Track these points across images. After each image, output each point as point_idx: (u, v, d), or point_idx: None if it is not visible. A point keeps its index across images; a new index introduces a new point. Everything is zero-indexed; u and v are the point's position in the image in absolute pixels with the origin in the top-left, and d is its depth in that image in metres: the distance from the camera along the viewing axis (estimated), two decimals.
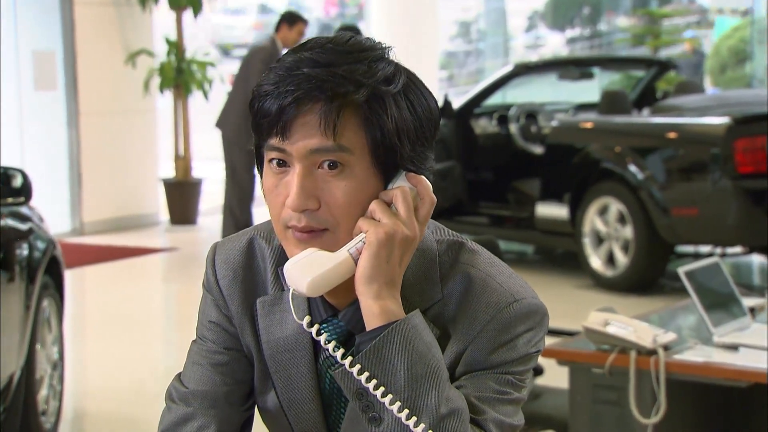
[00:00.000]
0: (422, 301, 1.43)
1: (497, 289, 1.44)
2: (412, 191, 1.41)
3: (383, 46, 1.43)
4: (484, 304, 1.44)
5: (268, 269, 1.52)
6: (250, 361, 1.55)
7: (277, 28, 8.17)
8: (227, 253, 1.55)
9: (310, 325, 1.43)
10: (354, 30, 8.34)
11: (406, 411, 1.36)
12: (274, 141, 1.38)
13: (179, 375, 1.59)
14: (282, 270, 1.44)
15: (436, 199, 1.43)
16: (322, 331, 1.44)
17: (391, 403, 1.36)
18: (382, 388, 1.36)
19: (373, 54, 1.40)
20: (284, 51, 8.14)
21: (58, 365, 4.46)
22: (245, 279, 1.53)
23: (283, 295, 1.50)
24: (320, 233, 1.40)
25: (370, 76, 1.37)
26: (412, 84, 1.42)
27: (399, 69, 1.42)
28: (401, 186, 1.40)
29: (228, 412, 1.54)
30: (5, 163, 4.14)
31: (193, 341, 1.60)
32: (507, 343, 1.43)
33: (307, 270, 1.38)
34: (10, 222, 4.08)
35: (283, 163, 1.39)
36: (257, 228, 1.57)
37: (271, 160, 1.40)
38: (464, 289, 1.44)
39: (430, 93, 1.45)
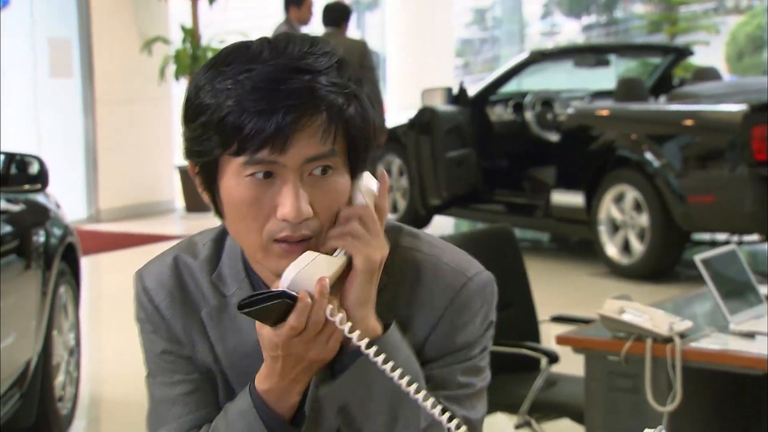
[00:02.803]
0: None
1: (448, 270, 1.45)
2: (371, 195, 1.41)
3: (324, 39, 1.41)
4: (439, 288, 1.44)
5: (201, 281, 1.48)
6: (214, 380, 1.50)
7: (287, 10, 8.13)
8: (157, 276, 1.50)
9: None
10: (343, 7, 8.15)
11: (389, 429, 1.38)
12: (263, 155, 1.33)
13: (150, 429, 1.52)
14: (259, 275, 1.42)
15: (388, 208, 1.43)
16: None
17: (374, 421, 1.38)
18: (363, 407, 1.38)
19: (335, 54, 1.38)
20: (302, 30, 8.16)
21: (75, 351, 4.48)
22: (182, 298, 1.49)
23: (227, 300, 1.46)
24: (308, 242, 1.37)
25: (348, 79, 1.37)
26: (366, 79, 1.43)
27: (353, 66, 1.41)
28: (360, 205, 1.39)
29: None
30: (22, 150, 4.15)
31: (150, 378, 1.52)
32: (468, 323, 1.45)
33: (318, 275, 1.34)
34: (27, 209, 4.09)
35: (269, 174, 1.35)
36: (177, 246, 1.53)
37: (254, 174, 1.35)
38: (414, 275, 1.45)
39: None
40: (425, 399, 1.35)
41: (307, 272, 1.33)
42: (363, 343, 1.35)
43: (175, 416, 1.48)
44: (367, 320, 1.37)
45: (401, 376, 1.34)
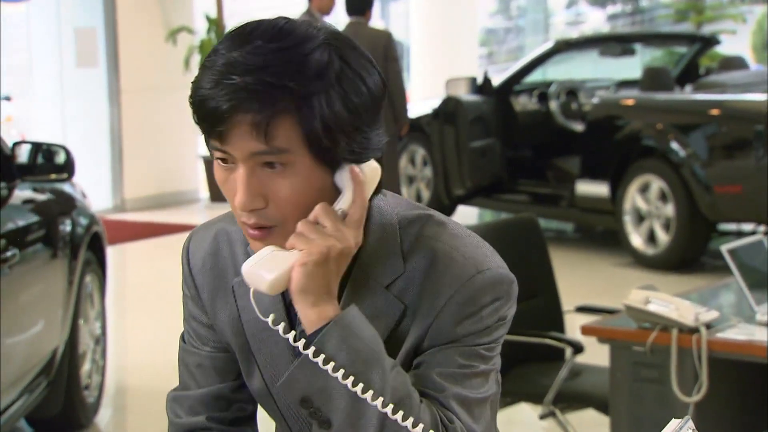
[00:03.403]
0: (384, 274, 1.43)
1: (461, 261, 1.44)
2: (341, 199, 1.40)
3: (317, 27, 1.39)
4: (447, 277, 1.43)
5: (237, 250, 1.53)
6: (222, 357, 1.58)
7: None
8: (199, 240, 1.58)
9: (276, 322, 1.44)
10: None
11: (352, 414, 1.37)
12: (215, 143, 1.38)
13: (173, 392, 1.62)
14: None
15: (367, 201, 1.42)
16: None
17: (336, 406, 1.37)
18: (322, 394, 1.37)
19: (308, 45, 1.36)
20: (324, 18, 8.14)
21: (101, 340, 4.50)
22: (215, 265, 1.55)
23: None
24: (270, 230, 1.40)
25: (301, 75, 1.34)
26: (348, 69, 1.37)
27: (333, 57, 1.37)
28: (320, 204, 1.39)
29: (234, 405, 1.58)
30: (48, 140, 4.17)
31: (181, 340, 1.63)
32: (472, 315, 1.43)
33: (267, 270, 1.37)
34: (54, 198, 4.12)
35: (228, 161, 1.40)
36: (227, 214, 1.57)
37: (217, 158, 1.40)
38: (429, 264, 1.44)
39: (371, 68, 1.40)
40: (374, 398, 1.34)
41: (260, 267, 1.38)
42: (300, 345, 1.36)
43: (184, 386, 1.62)
44: (311, 307, 1.37)
45: (346, 372, 1.34)
